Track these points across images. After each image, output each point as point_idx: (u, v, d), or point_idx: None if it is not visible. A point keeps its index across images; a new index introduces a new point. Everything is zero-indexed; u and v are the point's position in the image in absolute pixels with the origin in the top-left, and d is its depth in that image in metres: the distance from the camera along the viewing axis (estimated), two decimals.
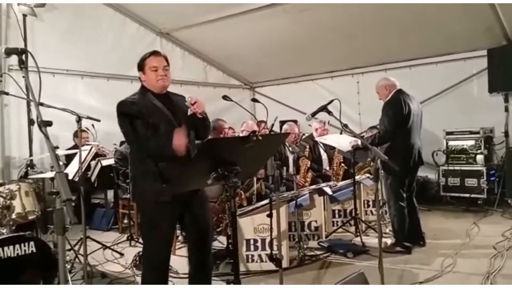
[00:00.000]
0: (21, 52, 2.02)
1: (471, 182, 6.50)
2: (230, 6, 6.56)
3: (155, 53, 2.98)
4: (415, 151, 4.47)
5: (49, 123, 1.84)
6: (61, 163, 5.31)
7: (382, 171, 4.37)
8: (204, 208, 2.97)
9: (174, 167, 2.65)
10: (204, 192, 2.99)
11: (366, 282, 2.66)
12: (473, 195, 6.42)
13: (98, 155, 5.70)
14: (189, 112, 2.79)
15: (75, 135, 5.99)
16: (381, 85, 4.62)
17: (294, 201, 4.35)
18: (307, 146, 6.08)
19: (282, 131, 6.33)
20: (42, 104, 3.02)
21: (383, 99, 4.58)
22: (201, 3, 6.47)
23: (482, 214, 5.99)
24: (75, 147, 5.43)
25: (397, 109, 4.35)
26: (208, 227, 2.95)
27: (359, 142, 4.49)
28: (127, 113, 2.78)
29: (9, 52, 2.05)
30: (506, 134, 6.68)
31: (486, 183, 6.36)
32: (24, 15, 5.95)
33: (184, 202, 2.82)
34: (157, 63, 2.90)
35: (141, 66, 2.96)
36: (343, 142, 4.90)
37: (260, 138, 2.26)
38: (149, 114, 2.77)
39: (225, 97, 2.83)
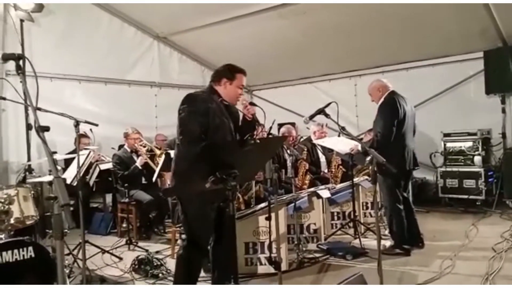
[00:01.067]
0: (18, 58, 2.03)
1: (469, 183, 6.51)
2: (227, 10, 6.58)
3: (245, 73, 3.13)
4: (410, 153, 4.47)
5: (46, 128, 1.85)
6: (59, 167, 5.32)
7: (378, 174, 4.36)
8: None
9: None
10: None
11: (365, 284, 2.66)
12: (471, 197, 6.44)
13: (96, 160, 5.71)
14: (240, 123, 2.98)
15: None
16: (373, 87, 4.63)
17: (293, 204, 4.35)
18: (305, 149, 6.09)
19: (280, 134, 6.33)
20: (39, 109, 3.03)
21: (376, 101, 4.59)
22: (198, 5, 6.47)
23: (480, 215, 5.99)
24: (75, 151, 5.43)
25: (392, 111, 4.36)
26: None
27: (359, 147, 4.48)
28: (194, 109, 2.86)
29: (6, 57, 2.06)
30: (504, 135, 6.70)
31: (484, 185, 6.37)
32: (21, 20, 5.97)
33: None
34: (244, 84, 3.08)
35: (229, 75, 3.05)
36: (342, 147, 4.90)
37: (258, 141, 2.27)
38: (214, 116, 2.87)
39: (252, 104, 2.96)
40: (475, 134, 6.58)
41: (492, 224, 5.50)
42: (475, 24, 6.08)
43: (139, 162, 5.80)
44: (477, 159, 6.51)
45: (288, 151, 5.40)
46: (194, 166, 2.70)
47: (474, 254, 4.31)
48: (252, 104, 3.39)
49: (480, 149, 6.52)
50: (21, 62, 2.05)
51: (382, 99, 4.51)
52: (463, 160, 6.67)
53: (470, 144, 6.61)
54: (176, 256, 3.27)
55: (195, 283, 3.03)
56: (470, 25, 6.13)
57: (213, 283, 3.17)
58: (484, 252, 4.27)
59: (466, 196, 6.48)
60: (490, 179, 6.48)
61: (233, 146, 2.53)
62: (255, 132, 3.12)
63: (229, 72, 3.06)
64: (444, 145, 6.84)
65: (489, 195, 6.40)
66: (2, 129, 5.97)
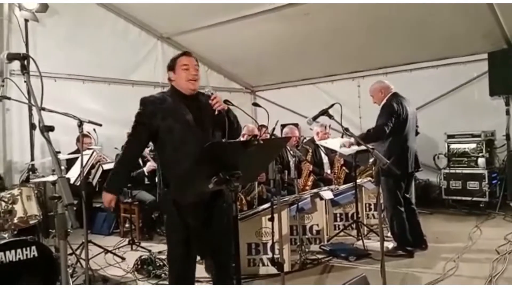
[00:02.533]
0: (23, 58, 2.04)
1: (473, 185, 6.49)
2: (230, 11, 6.58)
3: (186, 53, 2.99)
4: (412, 155, 4.47)
5: (51, 128, 1.85)
6: (62, 167, 5.34)
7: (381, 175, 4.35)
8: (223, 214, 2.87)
9: (176, 171, 2.66)
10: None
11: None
12: (475, 198, 6.42)
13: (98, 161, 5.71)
14: (216, 112, 2.76)
15: (78, 139, 6.01)
16: (375, 88, 4.63)
17: (296, 205, 4.35)
18: (309, 150, 6.09)
19: (283, 135, 6.33)
20: (43, 109, 3.03)
21: (378, 102, 4.59)
22: (202, 5, 6.49)
23: (484, 217, 5.98)
24: (78, 151, 5.44)
25: (394, 112, 4.36)
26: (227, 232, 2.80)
27: (352, 140, 4.49)
28: (140, 113, 2.86)
29: (11, 57, 2.07)
30: (508, 137, 6.68)
31: (488, 186, 6.35)
32: (26, 20, 5.98)
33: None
34: (189, 62, 2.91)
35: (171, 66, 2.96)
36: (339, 145, 4.90)
37: (261, 142, 2.26)
38: (164, 116, 2.79)
39: (226, 101, 2.82)
40: (479, 135, 6.55)
41: (495, 226, 5.49)
42: (479, 25, 6.06)
43: (146, 169, 5.80)
44: (481, 161, 6.49)
45: (291, 152, 5.39)
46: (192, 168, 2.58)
47: (477, 256, 4.29)
48: (255, 105, 3.36)
49: (484, 150, 6.50)
50: (25, 62, 2.06)
51: (384, 101, 4.50)
52: (467, 162, 6.65)
53: (474, 145, 6.59)
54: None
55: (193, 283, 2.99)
56: (474, 27, 6.11)
57: (214, 283, 3.16)
58: (488, 254, 4.26)
59: (469, 198, 6.46)
60: (494, 181, 6.45)
61: (236, 147, 2.51)
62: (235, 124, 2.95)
63: (169, 66, 2.98)
64: (448, 146, 6.82)
65: (492, 197, 6.38)
66: (6, 128, 5.98)
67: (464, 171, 6.61)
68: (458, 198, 6.62)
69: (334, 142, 5.29)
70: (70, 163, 4.97)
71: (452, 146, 6.79)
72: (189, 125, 2.78)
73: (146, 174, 5.81)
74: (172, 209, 2.75)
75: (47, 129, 1.84)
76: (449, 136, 6.81)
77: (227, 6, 6.44)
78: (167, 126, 2.77)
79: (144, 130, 2.83)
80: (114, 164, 3.19)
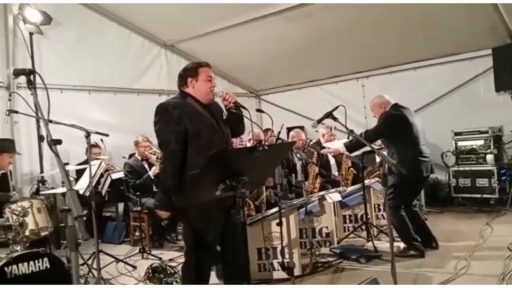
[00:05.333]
0: (29, 73, 2.07)
1: (482, 182, 6.44)
2: (232, 16, 6.61)
3: (208, 64, 3.03)
4: (426, 160, 4.44)
5: (59, 142, 1.88)
6: (71, 178, 5.38)
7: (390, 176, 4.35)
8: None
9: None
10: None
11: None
12: (484, 195, 6.36)
13: (107, 170, 5.75)
14: (224, 116, 2.83)
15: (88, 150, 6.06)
16: (375, 103, 4.65)
17: (304, 208, 4.35)
18: (315, 152, 6.08)
19: (289, 138, 6.33)
20: (51, 121, 3.06)
21: (378, 116, 4.59)
22: (204, 12, 6.52)
23: (494, 214, 5.93)
24: (87, 161, 5.49)
25: (390, 119, 4.42)
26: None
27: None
28: (167, 118, 2.81)
29: (17, 73, 2.10)
30: None
31: (497, 183, 6.30)
32: (31, 33, 6.06)
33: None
34: (212, 74, 2.97)
35: (192, 74, 2.97)
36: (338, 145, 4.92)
37: (267, 148, 2.27)
38: (191, 120, 2.80)
39: (236, 103, 2.90)
40: (486, 132, 6.51)
41: (506, 223, 5.44)
42: (483, 21, 6.02)
43: (152, 172, 5.83)
44: (489, 157, 6.44)
45: (298, 155, 5.39)
46: (201, 175, 2.61)
47: (489, 253, 4.26)
48: (259, 111, 3.38)
49: (492, 147, 6.45)
50: (31, 77, 2.09)
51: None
52: (475, 159, 6.60)
53: (481, 142, 6.55)
54: (181, 268, 3.19)
55: None
56: (479, 23, 6.08)
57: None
58: (500, 251, 4.22)
59: (479, 195, 6.41)
60: (503, 177, 6.40)
61: (242, 153, 2.52)
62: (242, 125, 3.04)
63: (190, 70, 2.99)
64: (456, 144, 6.78)
65: (502, 194, 6.32)
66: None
67: (473, 168, 6.56)
68: (468, 195, 6.57)
69: (340, 145, 5.30)
70: (80, 173, 5.01)
71: (460, 143, 6.75)
72: (214, 129, 2.85)
73: (153, 178, 5.83)
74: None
75: (54, 143, 1.86)
76: (456, 134, 6.77)
77: (230, 12, 6.47)
78: (195, 129, 2.79)
79: (179, 137, 2.79)
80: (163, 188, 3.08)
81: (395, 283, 3.02)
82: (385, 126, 4.45)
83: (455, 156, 6.79)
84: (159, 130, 2.85)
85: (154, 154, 5.86)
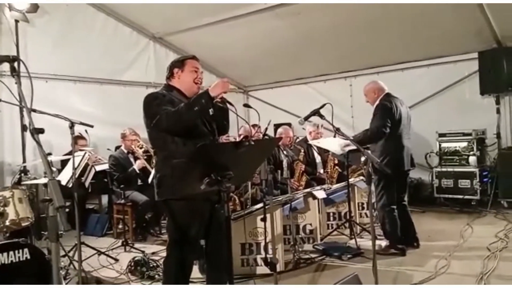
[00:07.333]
0: (13, 60, 2.02)
1: (464, 183, 6.54)
2: (222, 11, 6.58)
3: (195, 57, 3.04)
4: (407, 154, 4.50)
5: (41, 131, 1.85)
6: (54, 169, 5.30)
7: (374, 175, 4.38)
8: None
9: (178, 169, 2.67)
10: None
11: (360, 284, 2.67)
12: (466, 196, 6.47)
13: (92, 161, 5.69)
14: (211, 112, 2.77)
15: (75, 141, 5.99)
16: (369, 89, 4.65)
17: (289, 205, 4.36)
18: (302, 150, 6.10)
19: (277, 135, 6.34)
20: (34, 111, 3.02)
21: (371, 102, 4.61)
22: (194, 5, 6.48)
23: (475, 215, 6.02)
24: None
25: (388, 112, 4.38)
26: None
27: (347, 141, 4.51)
28: (159, 101, 2.79)
29: (0, 60, 2.05)
30: (498, 135, 6.74)
31: (479, 184, 6.40)
32: (16, 21, 5.93)
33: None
34: (199, 66, 2.96)
35: (179, 65, 2.97)
36: (334, 145, 4.92)
37: (253, 143, 2.27)
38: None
39: (223, 99, 2.86)
40: (470, 134, 6.61)
41: (487, 224, 5.54)
42: (470, 25, 6.11)
43: (137, 166, 5.79)
44: (472, 159, 6.55)
45: (284, 152, 5.40)
46: (187, 167, 2.54)
47: (469, 253, 4.33)
48: (246, 106, 3.38)
49: (475, 149, 6.55)
50: (15, 64, 2.05)
51: (377, 101, 4.53)
52: (458, 160, 6.70)
53: (465, 144, 6.65)
54: (163, 261, 3.17)
55: (187, 283, 3.00)
56: (465, 26, 6.16)
57: (208, 283, 3.16)
58: (479, 251, 4.30)
59: (461, 196, 6.51)
60: (485, 179, 6.51)
61: (227, 148, 2.51)
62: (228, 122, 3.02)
63: (178, 61, 3.00)
64: (439, 145, 6.88)
65: (484, 195, 6.43)
66: None
67: (456, 170, 6.66)
68: (450, 196, 6.67)
69: (328, 142, 5.32)
70: (64, 164, 4.94)
71: (444, 144, 6.84)
72: (200, 121, 2.85)
73: (137, 171, 5.80)
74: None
75: (37, 132, 1.83)
76: (441, 135, 6.86)
77: (220, 6, 6.43)
78: None
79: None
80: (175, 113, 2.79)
81: (376, 280, 3.06)
82: (384, 117, 4.37)
83: (439, 157, 6.88)
84: (152, 110, 2.79)
85: (141, 148, 5.83)
